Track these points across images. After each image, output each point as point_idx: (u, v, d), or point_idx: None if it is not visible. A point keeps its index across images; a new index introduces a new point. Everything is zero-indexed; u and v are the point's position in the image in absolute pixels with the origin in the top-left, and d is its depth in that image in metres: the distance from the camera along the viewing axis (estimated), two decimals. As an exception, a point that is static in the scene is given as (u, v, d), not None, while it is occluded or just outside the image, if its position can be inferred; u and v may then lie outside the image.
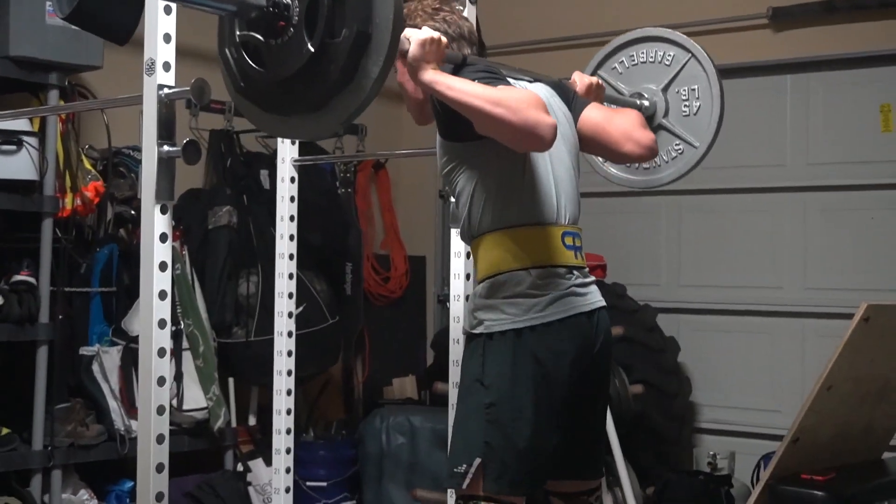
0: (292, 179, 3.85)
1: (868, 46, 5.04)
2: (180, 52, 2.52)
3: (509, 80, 2.72)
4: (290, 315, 3.87)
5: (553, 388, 2.64)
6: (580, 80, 3.05)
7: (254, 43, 2.36)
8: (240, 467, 4.88)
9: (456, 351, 3.65)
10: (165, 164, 2.51)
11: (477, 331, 2.71)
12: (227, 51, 2.44)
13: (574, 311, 2.68)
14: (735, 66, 5.33)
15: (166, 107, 2.51)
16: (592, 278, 2.80)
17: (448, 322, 3.77)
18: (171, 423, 2.71)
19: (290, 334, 3.87)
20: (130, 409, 4.33)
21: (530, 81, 2.89)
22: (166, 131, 2.53)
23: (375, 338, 5.67)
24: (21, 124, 4.08)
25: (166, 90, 2.50)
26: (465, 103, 2.49)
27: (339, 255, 5.25)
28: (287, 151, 3.85)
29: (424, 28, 2.61)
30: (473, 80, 2.55)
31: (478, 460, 2.61)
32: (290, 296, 3.87)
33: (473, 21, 3.17)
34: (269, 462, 4.43)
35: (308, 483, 5.03)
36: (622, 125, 2.89)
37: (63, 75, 4.17)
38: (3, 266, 4.18)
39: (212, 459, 4.84)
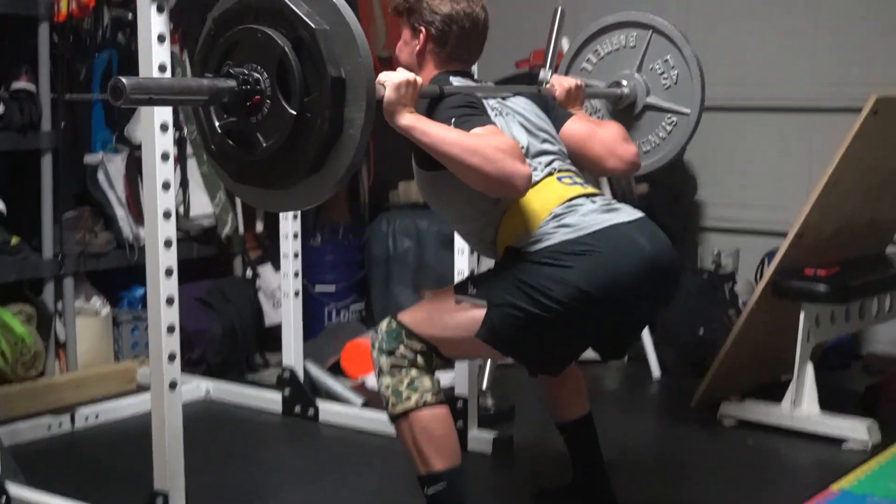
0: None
1: None
2: None
3: (489, 102, 2.70)
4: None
5: (604, 298, 2.54)
6: (559, 85, 3.01)
7: (236, 128, 2.31)
8: (249, 273, 4.94)
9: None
10: (160, -37, 2.45)
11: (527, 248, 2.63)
12: (212, 146, 2.39)
13: (612, 221, 2.61)
14: None
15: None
16: (616, 201, 2.74)
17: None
18: (178, 230, 2.73)
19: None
20: (138, 216, 4.35)
21: (510, 96, 2.83)
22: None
23: (380, 141, 5.63)
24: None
25: None
26: (441, 151, 2.45)
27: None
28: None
29: (399, 70, 2.52)
30: (450, 117, 2.52)
31: (483, 302, 2.60)
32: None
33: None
34: (277, 267, 4.47)
35: (317, 287, 5.10)
36: (605, 141, 2.90)
37: None
38: (0, 73, 4.13)
39: (221, 266, 4.89)
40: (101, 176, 4.38)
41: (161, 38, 2.53)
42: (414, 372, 2.65)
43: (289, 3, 2.24)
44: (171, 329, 2.73)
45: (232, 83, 2.25)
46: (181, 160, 4.46)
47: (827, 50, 5.07)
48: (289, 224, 3.92)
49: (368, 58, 2.22)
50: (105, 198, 4.39)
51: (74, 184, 4.37)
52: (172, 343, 2.74)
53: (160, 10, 2.50)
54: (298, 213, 3.89)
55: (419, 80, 2.53)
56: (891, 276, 4.12)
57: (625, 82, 3.32)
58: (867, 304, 3.98)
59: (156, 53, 2.57)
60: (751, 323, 3.88)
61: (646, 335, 4.59)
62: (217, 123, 2.36)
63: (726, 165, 5.36)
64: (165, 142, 2.65)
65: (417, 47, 2.81)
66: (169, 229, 2.69)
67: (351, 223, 5.48)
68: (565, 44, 3.96)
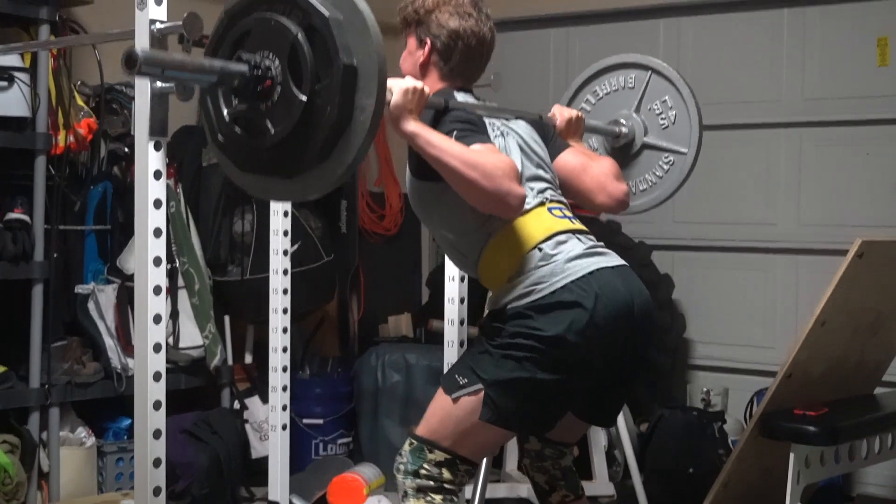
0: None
1: (865, -21, 5.01)
2: (172, -13, 2.50)
3: (491, 121, 2.75)
4: (285, 253, 3.87)
5: (589, 347, 2.58)
6: (560, 115, 3.07)
7: (245, 115, 2.33)
8: (236, 405, 4.91)
9: (451, 289, 3.65)
10: (159, 99, 2.49)
11: (509, 306, 2.65)
12: (219, 137, 2.41)
13: (596, 265, 2.64)
14: (732, 0, 5.30)
15: (159, 42, 2.48)
16: (602, 244, 2.77)
17: (443, 260, 3.77)
18: (167, 361, 2.72)
19: (285, 272, 3.86)
20: (127, 346, 4.35)
21: (512, 119, 2.88)
22: (159, 67, 2.51)
23: (370, 275, 5.67)
24: (12, 60, 4.04)
25: (158, 24, 2.48)
26: (443, 162, 2.49)
27: (333, 193, 5.23)
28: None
29: (407, 77, 2.58)
30: (453, 130, 2.57)
31: (479, 386, 2.61)
32: (286, 233, 3.86)
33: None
34: (265, 399, 4.45)
35: (304, 420, 5.06)
36: (596, 176, 2.94)
37: (53, 9, 4.13)
38: (-3, 203, 4.18)
39: (209, 397, 4.86)
40: (91, 306, 4.39)
41: (157, 175, 2.56)
42: (439, 499, 2.64)
43: None
44: (157, 462, 2.70)
45: (244, 67, 2.25)
46: (172, 291, 4.48)
47: (812, 192, 5.15)
48: (278, 357, 3.91)
49: (381, 46, 2.22)
50: (95, 327, 4.39)
51: (64, 313, 4.38)
52: (158, 477, 2.70)
53: (157, 147, 2.53)
54: (288, 346, 3.88)
55: (426, 88, 2.56)
56: (880, 417, 4.10)
57: (623, 121, 3.33)
58: (857, 446, 3.96)
59: (152, 188, 2.59)
60: (740, 463, 3.85)
61: (635, 472, 4.55)
62: (226, 111, 2.35)
63: (715, 304, 5.39)
64: (158, 275, 2.66)
65: (421, 59, 2.83)
66: (158, 362, 2.68)
67: (340, 356, 5.48)
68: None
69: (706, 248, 5.37)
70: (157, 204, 2.61)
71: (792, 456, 3.72)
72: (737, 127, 5.34)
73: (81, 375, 4.30)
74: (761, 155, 5.29)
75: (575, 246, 2.67)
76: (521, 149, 2.79)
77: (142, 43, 2.47)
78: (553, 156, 2.93)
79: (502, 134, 2.77)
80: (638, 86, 3.33)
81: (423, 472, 2.66)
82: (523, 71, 5.81)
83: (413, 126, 2.52)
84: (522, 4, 5.80)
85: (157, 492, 2.69)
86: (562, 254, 2.64)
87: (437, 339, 4.04)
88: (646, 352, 2.80)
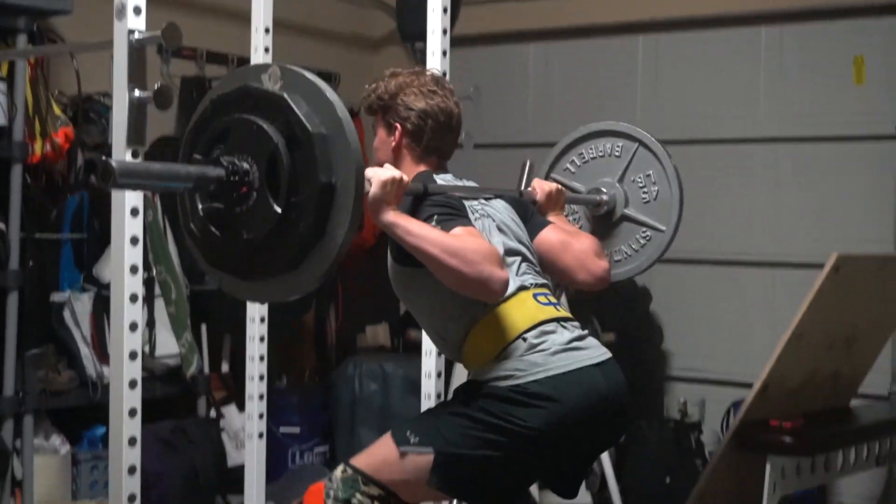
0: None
1: (842, -2, 5.05)
2: (151, -4, 2.50)
3: (470, 203, 2.73)
4: (262, 262, 3.86)
5: (560, 439, 2.56)
6: (540, 189, 3.05)
7: (219, 215, 2.31)
8: (213, 413, 4.90)
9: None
10: (137, 109, 2.49)
11: (490, 384, 2.61)
12: (191, 225, 2.39)
13: (580, 363, 2.61)
14: (709, 17, 5.34)
15: (137, 51, 2.48)
16: (587, 331, 2.74)
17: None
18: (143, 370, 2.72)
19: (262, 281, 3.85)
20: (102, 355, 4.33)
21: (491, 198, 2.86)
22: (137, 76, 2.51)
23: (348, 286, 5.67)
24: (-11, 69, 4.03)
25: (137, 34, 2.48)
26: (422, 250, 2.47)
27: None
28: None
29: (386, 166, 2.56)
30: (433, 215, 2.54)
31: (430, 450, 2.57)
32: (263, 243, 3.85)
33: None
34: (241, 408, 4.44)
35: (281, 429, 5.05)
36: (577, 254, 2.90)
37: (31, 20, 4.11)
38: (-28, 213, 4.15)
39: (185, 406, 4.85)
40: (66, 314, 4.38)
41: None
42: None
43: (289, 100, 2.23)
44: (132, 470, 2.69)
45: (220, 172, 2.23)
46: (149, 300, 4.47)
47: (789, 207, 5.18)
48: (255, 365, 3.90)
49: (362, 168, 2.22)
50: (70, 336, 4.37)
51: (39, 322, 4.36)
52: (133, 484, 2.70)
53: (135, 156, 2.53)
54: (265, 355, 3.87)
55: (405, 178, 2.54)
56: (856, 428, 4.14)
57: (605, 190, 3.35)
58: (833, 457, 3.98)
59: (129, 197, 2.60)
60: (717, 473, 3.87)
61: (612, 484, 4.55)
62: (200, 206, 2.33)
63: (692, 316, 5.42)
64: (135, 283, 2.66)
65: (393, 143, 2.80)
66: (134, 370, 2.68)
67: (317, 365, 5.48)
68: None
69: (684, 261, 5.38)
70: (135, 212, 2.62)
71: (768, 466, 3.74)
72: (715, 142, 5.37)
73: (56, 383, 4.28)
74: (739, 170, 5.33)
75: (561, 336, 2.63)
76: (500, 230, 2.76)
77: (120, 54, 2.47)
78: (533, 234, 2.89)
79: (481, 216, 2.74)
80: (624, 155, 3.33)
81: (354, 501, 2.63)
82: (503, 86, 5.82)
83: (391, 216, 2.49)
84: (502, 20, 5.82)
85: (131, 500, 2.69)
86: (546, 343, 2.60)
87: (415, 348, 4.04)
88: (615, 442, 2.85)
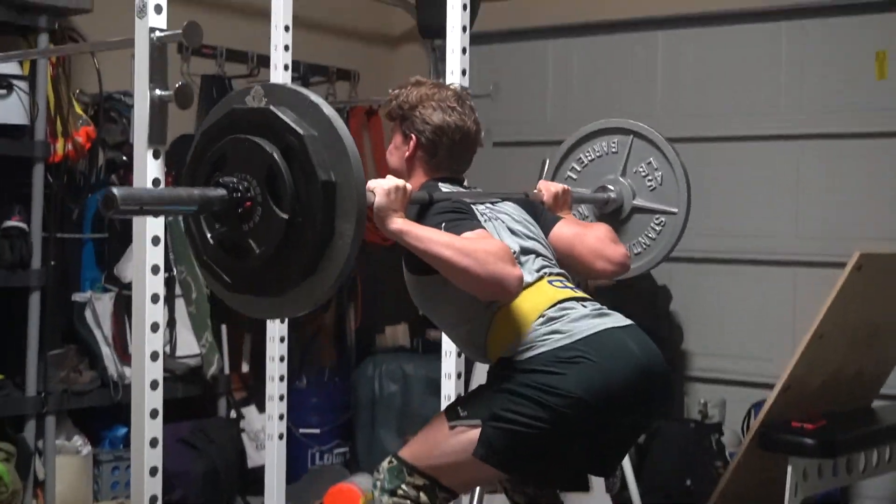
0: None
1: (864, -8, 5.02)
2: (172, -5, 2.50)
3: (478, 208, 2.73)
4: (283, 262, 3.86)
5: (597, 404, 2.52)
6: (546, 190, 3.05)
7: (228, 237, 2.34)
8: (233, 414, 4.90)
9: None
10: (158, 108, 2.49)
11: (515, 357, 2.61)
12: (204, 257, 2.41)
13: (604, 326, 2.61)
14: (730, 12, 5.31)
15: (158, 50, 2.48)
16: (607, 307, 2.73)
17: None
18: (164, 370, 2.71)
19: (283, 281, 3.85)
20: (124, 355, 4.34)
21: (498, 202, 2.87)
22: (158, 75, 2.51)
23: (368, 285, 5.66)
24: (11, 68, 4.04)
25: (158, 33, 2.48)
26: (433, 254, 2.47)
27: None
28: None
29: (388, 177, 2.56)
30: (441, 222, 2.55)
31: (478, 421, 2.58)
32: (283, 242, 3.85)
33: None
34: (262, 409, 4.44)
35: (301, 430, 5.05)
36: (592, 243, 2.90)
37: (52, 18, 4.13)
38: (-6, 212, 4.17)
39: (205, 406, 4.85)
40: (88, 314, 4.39)
41: (156, 183, 2.56)
42: None
43: (275, 111, 2.26)
44: (153, 471, 2.69)
45: (222, 192, 2.26)
46: (169, 300, 4.48)
47: (810, 204, 5.15)
48: (275, 366, 3.90)
49: (359, 164, 2.24)
50: (91, 336, 4.38)
51: (61, 321, 4.37)
52: (155, 486, 2.70)
53: (156, 156, 2.53)
54: (285, 356, 3.87)
55: (409, 186, 2.55)
56: (879, 430, 4.11)
57: (611, 186, 3.33)
58: (855, 459, 3.96)
59: (150, 196, 2.60)
60: (738, 475, 3.85)
61: (633, 485, 4.54)
62: (209, 234, 2.35)
63: (712, 316, 5.39)
64: (156, 284, 2.66)
65: (407, 153, 2.82)
66: (156, 370, 2.68)
67: (337, 366, 5.47)
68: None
69: (704, 260, 5.36)
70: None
71: (789, 468, 3.72)
72: (735, 139, 5.34)
73: (78, 384, 4.29)
74: (760, 167, 5.29)
75: (580, 311, 2.63)
76: (511, 230, 2.76)
77: (141, 53, 2.47)
78: (546, 231, 2.90)
79: (490, 219, 2.74)
80: (621, 150, 3.33)
81: (399, 492, 2.64)
82: (522, 82, 5.81)
83: (399, 224, 2.49)
84: (521, 16, 5.80)
85: (153, 500, 2.68)
86: (566, 315, 2.60)
87: (435, 349, 4.03)
88: (663, 411, 2.76)
